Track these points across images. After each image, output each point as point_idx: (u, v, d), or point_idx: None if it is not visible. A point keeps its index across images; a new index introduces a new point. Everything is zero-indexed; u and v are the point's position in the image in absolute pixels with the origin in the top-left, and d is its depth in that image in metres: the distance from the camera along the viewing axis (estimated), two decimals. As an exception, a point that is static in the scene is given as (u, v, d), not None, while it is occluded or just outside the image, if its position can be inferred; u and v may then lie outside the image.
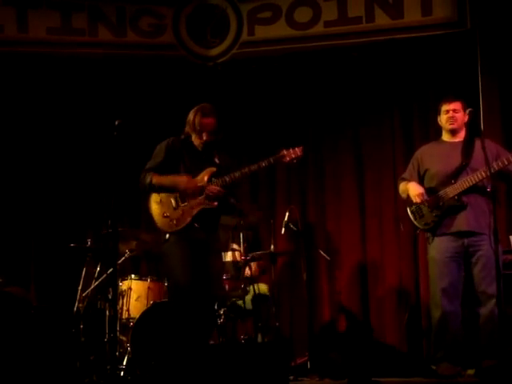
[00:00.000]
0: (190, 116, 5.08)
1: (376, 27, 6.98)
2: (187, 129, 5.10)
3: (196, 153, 5.08)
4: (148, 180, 5.02)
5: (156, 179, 5.01)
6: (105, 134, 4.85)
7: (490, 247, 5.07)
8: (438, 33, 6.85)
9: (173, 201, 5.00)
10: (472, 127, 5.43)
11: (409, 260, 6.84)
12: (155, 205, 5.07)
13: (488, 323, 5.15)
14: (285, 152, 4.91)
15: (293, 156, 4.91)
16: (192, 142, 5.09)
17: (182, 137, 5.11)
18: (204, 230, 5.02)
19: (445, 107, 5.41)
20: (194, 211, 4.96)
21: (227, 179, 4.94)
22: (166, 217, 5.00)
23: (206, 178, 4.99)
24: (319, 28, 7.09)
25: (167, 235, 5.03)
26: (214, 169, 5.01)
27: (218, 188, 4.95)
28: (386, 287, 6.98)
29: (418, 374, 5.57)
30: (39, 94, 7.33)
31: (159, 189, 5.04)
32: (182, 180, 4.99)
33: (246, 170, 4.92)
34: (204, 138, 5.04)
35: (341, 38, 7.06)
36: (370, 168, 7.19)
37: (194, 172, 5.04)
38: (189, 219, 4.96)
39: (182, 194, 4.98)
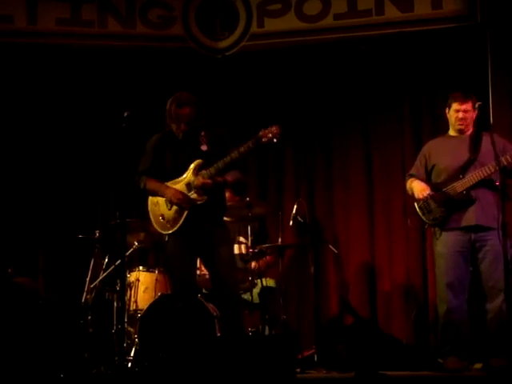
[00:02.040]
0: (167, 107, 5.07)
1: (385, 20, 6.94)
2: (167, 120, 5.09)
3: (178, 143, 5.06)
4: (142, 185, 5.09)
5: (148, 185, 5.07)
6: (113, 126, 4.86)
7: (497, 242, 5.05)
8: (448, 26, 6.81)
9: (166, 202, 5.02)
10: (481, 121, 5.41)
11: (417, 255, 6.84)
12: (152, 206, 5.13)
13: (496, 319, 5.14)
14: (261, 133, 4.79)
15: (270, 136, 4.77)
16: (174, 133, 5.07)
17: (166, 129, 5.12)
18: (204, 224, 5.01)
19: (456, 106, 5.35)
20: (185, 211, 4.96)
21: (212, 170, 4.90)
22: (162, 219, 5.04)
23: (191, 173, 4.98)
24: (329, 21, 7.06)
25: (166, 237, 5.06)
26: (199, 161, 4.98)
27: (202, 180, 4.91)
28: (394, 281, 6.97)
29: (425, 367, 5.58)
30: (48, 86, 7.34)
31: (152, 194, 5.11)
32: (167, 192, 4.98)
33: (228, 158, 4.85)
34: (182, 127, 5.02)
35: (350, 31, 7.03)
36: (378, 162, 7.17)
37: (179, 164, 5.04)
38: (182, 219, 4.97)
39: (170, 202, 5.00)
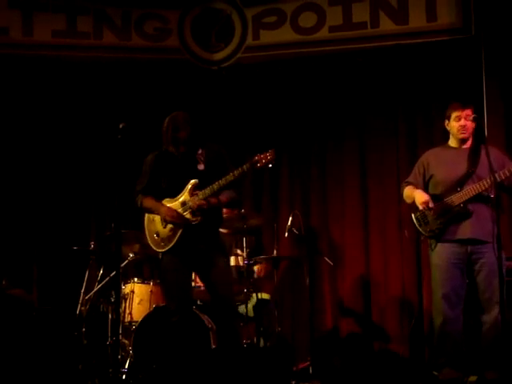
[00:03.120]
0: (163, 129, 5.08)
1: (381, 32, 6.98)
2: (164, 142, 5.10)
3: (176, 162, 5.07)
4: (138, 203, 5.13)
5: (144, 203, 5.11)
6: (109, 137, 4.86)
7: (493, 254, 5.05)
8: (443, 39, 6.84)
9: (162, 220, 5.04)
10: (475, 134, 5.41)
11: (412, 266, 6.81)
12: (148, 223, 5.15)
13: (492, 330, 5.12)
14: (256, 158, 4.84)
15: (264, 161, 4.82)
16: (173, 153, 5.08)
17: (163, 148, 5.12)
18: (198, 244, 5.01)
19: (456, 113, 5.29)
20: (179, 230, 4.97)
21: (207, 192, 4.92)
22: (157, 236, 5.06)
23: (187, 193, 4.99)
24: (324, 33, 7.09)
25: (160, 255, 5.07)
26: (195, 181, 4.98)
27: (198, 202, 4.92)
28: (389, 293, 6.96)
29: (420, 380, 5.57)
30: (43, 97, 7.34)
31: (148, 212, 5.14)
32: (162, 210, 5.01)
33: (223, 181, 4.87)
34: (181, 150, 5.04)
35: (345, 43, 7.06)
36: (373, 173, 7.18)
37: (176, 183, 5.05)
38: (175, 238, 4.98)
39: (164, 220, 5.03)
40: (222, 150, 5.19)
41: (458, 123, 5.30)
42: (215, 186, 4.89)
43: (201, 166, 5.07)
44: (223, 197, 5.02)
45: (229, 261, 5.49)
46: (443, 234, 5.26)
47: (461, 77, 6.85)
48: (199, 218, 4.95)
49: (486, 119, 6.43)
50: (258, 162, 4.83)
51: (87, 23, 7.14)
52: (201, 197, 4.92)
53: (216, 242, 5.12)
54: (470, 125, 5.30)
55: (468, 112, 5.28)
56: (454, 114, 5.31)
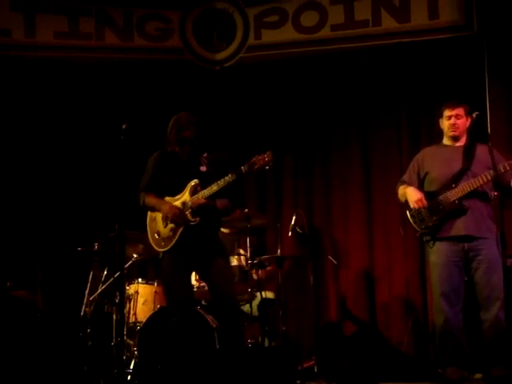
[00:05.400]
0: (168, 131, 5.11)
1: (383, 31, 6.98)
2: (168, 144, 5.12)
3: (179, 163, 5.10)
4: (141, 201, 5.14)
5: (147, 201, 5.12)
6: (112, 138, 4.86)
7: (490, 251, 5.09)
8: (445, 36, 6.84)
9: (163, 219, 5.05)
10: (478, 131, 5.42)
11: (416, 264, 6.83)
12: (150, 222, 5.17)
13: (493, 328, 5.13)
14: (254, 159, 4.83)
15: (261, 163, 4.81)
16: (177, 153, 5.10)
17: (169, 149, 5.13)
18: (197, 244, 5.02)
19: (447, 113, 5.40)
20: (179, 230, 4.98)
21: (206, 192, 4.93)
22: (158, 236, 5.07)
23: (187, 193, 5.01)
24: (326, 32, 7.09)
25: (161, 254, 5.09)
26: (196, 181, 5.00)
27: (197, 200, 4.94)
28: (393, 291, 6.96)
29: (425, 378, 5.56)
30: (46, 99, 7.34)
31: (151, 209, 5.15)
32: (164, 207, 5.02)
33: (222, 182, 4.87)
34: (187, 150, 5.07)
35: (347, 42, 7.06)
36: (376, 172, 7.17)
37: (177, 183, 5.06)
38: (175, 238, 4.99)
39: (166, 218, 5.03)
40: (228, 158, 5.20)
41: (449, 122, 5.40)
42: (214, 186, 4.90)
43: (203, 168, 5.09)
44: (219, 203, 5.04)
45: (228, 260, 5.48)
46: (439, 231, 5.28)
47: (463, 74, 6.84)
48: (197, 219, 4.97)
49: (488, 116, 6.43)
50: (255, 163, 4.82)
51: (89, 24, 7.14)
52: (200, 196, 4.94)
53: (215, 243, 5.13)
54: (461, 123, 5.36)
55: (458, 111, 5.37)
56: (445, 113, 5.42)
